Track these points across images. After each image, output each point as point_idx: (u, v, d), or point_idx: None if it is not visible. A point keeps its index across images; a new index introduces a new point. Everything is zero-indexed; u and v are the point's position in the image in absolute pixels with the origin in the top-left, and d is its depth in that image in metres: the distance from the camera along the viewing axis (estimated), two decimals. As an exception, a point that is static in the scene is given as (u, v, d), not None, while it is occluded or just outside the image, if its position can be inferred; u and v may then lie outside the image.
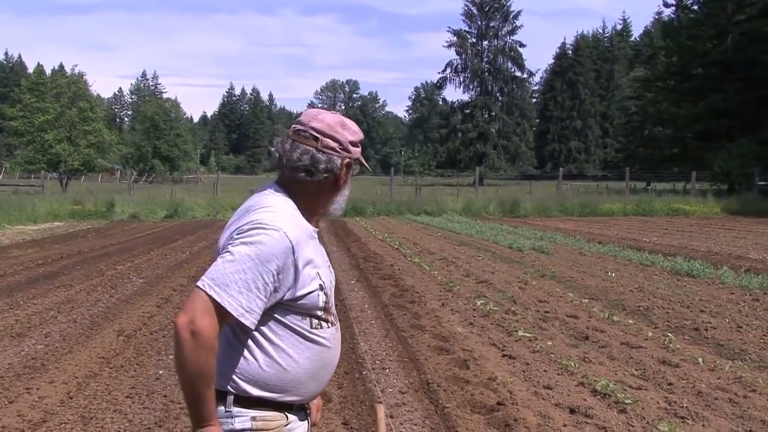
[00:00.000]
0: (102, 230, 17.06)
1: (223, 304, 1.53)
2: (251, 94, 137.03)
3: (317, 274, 1.68)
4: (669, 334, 5.90)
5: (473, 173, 38.62)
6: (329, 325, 1.74)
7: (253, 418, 1.63)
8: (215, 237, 13.83)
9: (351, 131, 1.73)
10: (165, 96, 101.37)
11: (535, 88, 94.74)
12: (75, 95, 39.21)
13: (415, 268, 9.99)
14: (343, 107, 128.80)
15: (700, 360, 5.13)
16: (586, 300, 7.52)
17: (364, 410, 4.09)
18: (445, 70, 74.91)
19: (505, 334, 5.96)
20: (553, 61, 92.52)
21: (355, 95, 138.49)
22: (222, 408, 1.62)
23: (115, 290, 8.17)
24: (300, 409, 1.74)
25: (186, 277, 9.08)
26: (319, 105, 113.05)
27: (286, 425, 1.68)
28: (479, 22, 74.63)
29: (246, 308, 1.55)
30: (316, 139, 1.68)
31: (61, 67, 53.52)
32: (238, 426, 1.63)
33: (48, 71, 51.99)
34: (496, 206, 23.61)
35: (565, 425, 3.82)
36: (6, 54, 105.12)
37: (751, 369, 4.95)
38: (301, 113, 1.77)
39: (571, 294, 7.86)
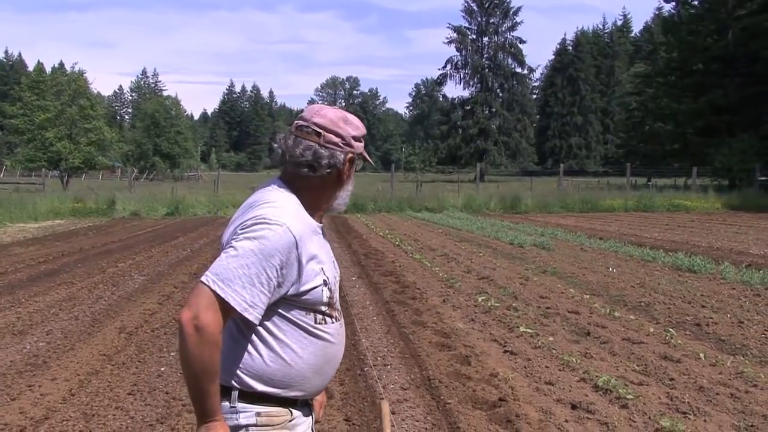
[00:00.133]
0: (103, 228, 17.08)
1: (226, 299, 1.53)
2: (251, 91, 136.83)
3: (321, 269, 1.68)
4: (670, 329, 5.90)
5: (474, 169, 38.56)
6: (333, 320, 1.74)
7: (258, 414, 1.64)
8: (216, 234, 13.84)
9: (354, 126, 1.73)
10: (165, 93, 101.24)
11: (536, 84, 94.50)
12: (75, 93, 39.27)
13: (416, 265, 9.99)
14: (344, 104, 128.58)
15: (701, 355, 5.13)
16: (588, 296, 7.53)
17: (366, 406, 4.10)
18: (445, 66, 74.97)
19: (507, 330, 5.96)
20: (553, 57, 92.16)
21: (355, 92, 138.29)
22: (227, 403, 1.62)
23: (117, 287, 8.18)
24: (304, 405, 1.74)
25: (187, 274, 9.08)
26: (320, 102, 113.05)
27: (291, 420, 1.68)
28: (479, 19, 74.55)
29: (250, 303, 1.55)
30: (319, 134, 1.68)
31: (62, 64, 53.60)
32: (242, 421, 1.63)
33: (48, 69, 52.20)
34: (496, 202, 23.60)
35: (566, 421, 3.83)
36: (6, 52, 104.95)
37: (752, 364, 4.96)
38: (303, 110, 1.77)
39: (573, 290, 7.86)
